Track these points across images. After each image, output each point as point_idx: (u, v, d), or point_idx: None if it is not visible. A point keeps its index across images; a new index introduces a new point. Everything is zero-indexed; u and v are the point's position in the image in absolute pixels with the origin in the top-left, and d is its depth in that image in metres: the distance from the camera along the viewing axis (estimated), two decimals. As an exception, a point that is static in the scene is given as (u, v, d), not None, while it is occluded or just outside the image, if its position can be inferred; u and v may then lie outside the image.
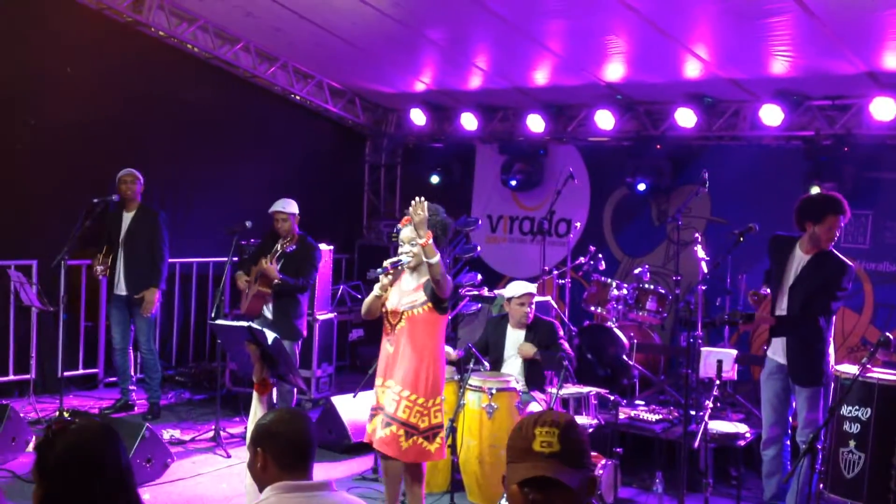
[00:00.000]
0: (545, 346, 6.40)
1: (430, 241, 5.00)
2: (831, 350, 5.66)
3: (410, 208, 5.08)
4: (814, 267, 5.60)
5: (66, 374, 8.03)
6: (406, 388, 5.13)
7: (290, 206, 7.49)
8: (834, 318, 5.69)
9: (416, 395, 5.12)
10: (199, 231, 9.16)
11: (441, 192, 10.39)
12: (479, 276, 8.92)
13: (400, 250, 5.27)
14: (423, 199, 5.07)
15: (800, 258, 5.67)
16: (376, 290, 5.25)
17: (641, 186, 8.93)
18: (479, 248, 9.17)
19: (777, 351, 5.73)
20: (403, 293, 5.24)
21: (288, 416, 2.94)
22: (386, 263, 5.25)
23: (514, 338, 6.60)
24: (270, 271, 7.20)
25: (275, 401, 7.24)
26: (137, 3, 8.40)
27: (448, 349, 6.50)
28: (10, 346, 8.10)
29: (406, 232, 5.22)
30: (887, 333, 4.46)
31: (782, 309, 5.69)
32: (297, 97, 10.17)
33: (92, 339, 8.86)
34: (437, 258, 5.01)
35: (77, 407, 7.77)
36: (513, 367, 6.54)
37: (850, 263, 5.60)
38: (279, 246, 7.25)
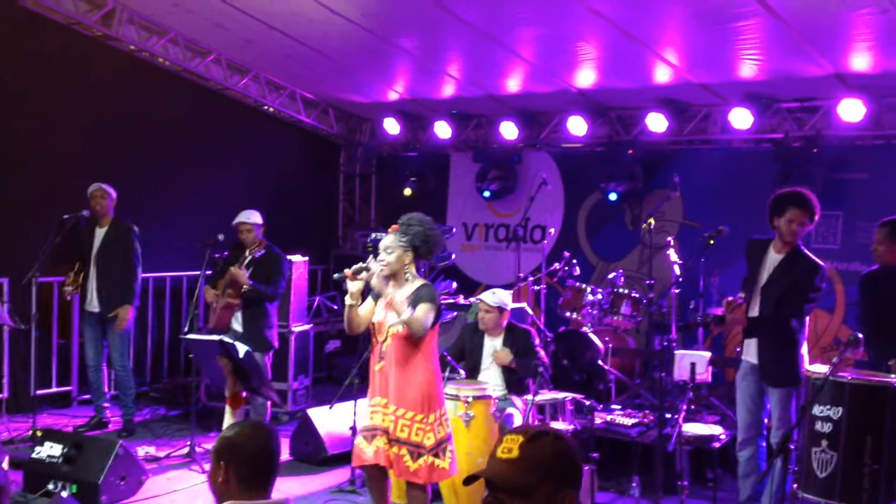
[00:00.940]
0: (521, 353, 6.40)
1: (396, 300, 4.91)
2: (805, 351, 5.68)
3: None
4: (785, 266, 5.63)
5: (38, 392, 7.93)
6: (401, 407, 4.96)
7: (254, 217, 7.47)
8: (807, 318, 5.69)
9: (414, 412, 4.95)
10: (172, 245, 9.10)
11: (416, 201, 10.41)
12: (455, 284, 8.95)
13: (378, 258, 5.15)
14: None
15: (773, 259, 5.71)
16: (347, 299, 5.09)
17: (613, 196, 8.98)
18: (454, 256, 9.19)
19: (750, 352, 5.76)
20: (391, 307, 5.05)
21: (251, 429, 2.90)
22: (347, 271, 5.09)
23: (491, 345, 6.60)
24: (240, 276, 7.17)
25: (249, 415, 7.21)
26: (107, 17, 8.34)
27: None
28: (-19, 365, 8.01)
29: (385, 240, 5.13)
30: (857, 333, 4.47)
31: (755, 310, 5.71)
32: (270, 108, 10.14)
33: (65, 356, 8.75)
34: (406, 315, 4.87)
35: (50, 425, 7.68)
36: (491, 373, 6.53)
37: (821, 263, 5.63)
38: (247, 253, 7.23)
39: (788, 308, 5.55)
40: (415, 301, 4.97)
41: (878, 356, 5.49)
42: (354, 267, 5.11)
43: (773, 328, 5.63)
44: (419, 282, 5.09)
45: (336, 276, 5.23)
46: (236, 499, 2.80)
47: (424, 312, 4.91)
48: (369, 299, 5.19)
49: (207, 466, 6.75)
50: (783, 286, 5.58)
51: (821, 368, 5.25)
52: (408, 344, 4.99)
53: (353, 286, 5.03)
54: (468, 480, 2.29)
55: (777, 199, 5.68)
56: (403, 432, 4.95)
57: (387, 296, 5.02)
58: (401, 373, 4.99)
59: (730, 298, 5.75)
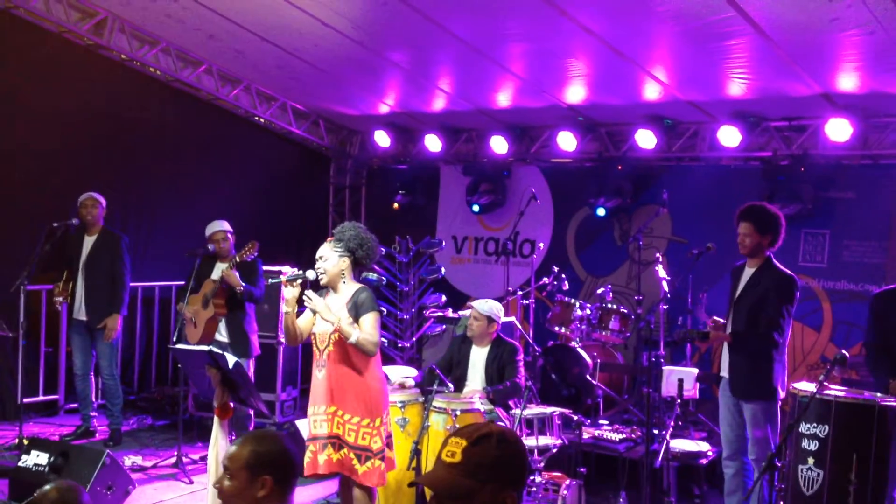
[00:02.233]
0: (502, 366, 6.44)
1: (342, 323, 4.92)
2: (781, 367, 5.63)
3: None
4: (755, 280, 5.69)
5: (25, 400, 7.89)
6: (347, 412, 4.99)
7: (226, 224, 7.48)
8: (788, 333, 5.69)
9: (360, 417, 4.99)
10: (161, 254, 9.09)
11: (406, 214, 10.45)
12: (444, 297, 8.96)
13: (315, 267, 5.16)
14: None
15: (746, 274, 5.79)
16: (283, 307, 5.12)
17: (601, 212, 9.03)
18: (443, 270, 9.23)
19: (724, 366, 5.79)
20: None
21: (273, 437, 2.97)
22: (281, 277, 5.16)
23: (477, 356, 6.62)
24: (233, 278, 7.08)
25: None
26: (98, 26, 8.34)
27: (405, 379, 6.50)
28: (-32, 373, 7.97)
29: (320, 250, 5.13)
30: (843, 351, 4.52)
31: (729, 325, 5.76)
32: (261, 119, 10.15)
33: (52, 364, 8.73)
34: (355, 337, 4.91)
35: (37, 434, 7.64)
36: (476, 384, 6.55)
37: (791, 274, 5.67)
38: (237, 257, 7.14)
39: (763, 321, 5.56)
40: (354, 309, 5.00)
41: (880, 376, 5.52)
42: (289, 274, 5.20)
43: (751, 343, 5.65)
44: (355, 286, 5.10)
45: (270, 280, 5.29)
46: None
47: (372, 326, 4.95)
48: (307, 311, 5.20)
49: (194, 477, 6.77)
50: (754, 299, 5.63)
51: (807, 386, 5.29)
52: (350, 350, 5.01)
53: (289, 293, 5.06)
54: (412, 484, 2.40)
55: (736, 214, 5.78)
56: (350, 436, 5.00)
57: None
58: (345, 379, 5.02)
59: (715, 318, 5.81)
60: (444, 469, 2.17)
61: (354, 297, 5.04)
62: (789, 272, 5.69)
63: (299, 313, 5.17)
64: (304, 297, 5.02)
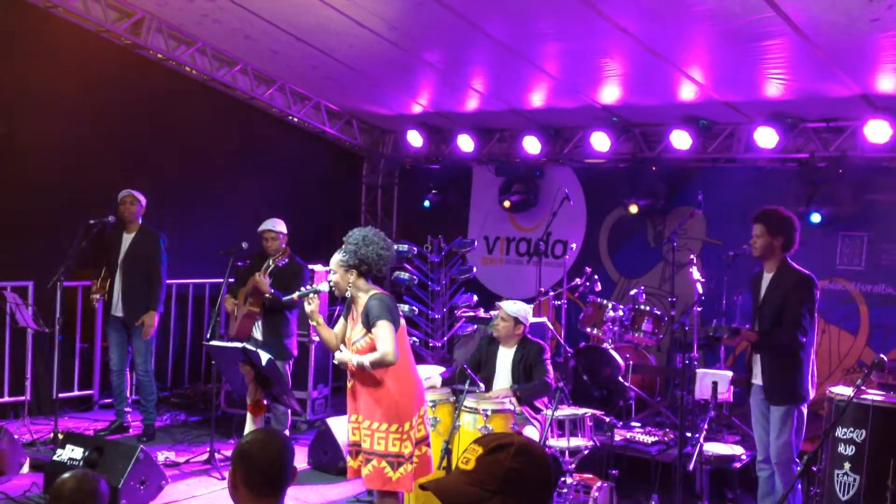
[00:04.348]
0: (530, 366, 6.42)
1: (351, 360, 4.94)
2: (809, 369, 5.58)
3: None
4: (775, 283, 5.65)
5: (61, 395, 8.02)
6: (374, 420, 4.98)
7: (279, 226, 7.55)
8: (813, 333, 5.63)
9: (388, 423, 4.96)
10: (195, 252, 9.17)
11: (437, 214, 10.46)
12: (475, 297, 8.96)
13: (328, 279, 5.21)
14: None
15: (765, 279, 5.74)
16: (310, 321, 5.24)
17: (633, 208, 8.94)
18: (475, 269, 9.22)
19: (755, 372, 5.74)
20: (354, 323, 5.11)
21: (263, 437, 2.93)
22: (295, 294, 5.30)
23: (504, 356, 6.61)
24: (262, 284, 7.22)
25: (271, 423, 7.24)
26: (136, 25, 8.45)
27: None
28: (5, 368, 8.08)
29: (332, 259, 5.13)
30: (881, 355, 4.45)
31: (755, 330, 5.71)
32: (295, 119, 10.21)
33: (87, 360, 8.84)
34: (367, 362, 4.87)
35: (72, 428, 7.74)
36: (503, 385, 6.54)
37: (808, 273, 5.61)
38: (270, 261, 7.29)
39: (786, 323, 5.52)
40: (366, 320, 4.95)
41: None
42: (299, 292, 5.28)
43: (772, 344, 5.59)
44: (368, 293, 5.05)
45: (284, 299, 5.35)
46: None
47: (383, 339, 4.87)
48: (341, 319, 5.27)
49: (226, 473, 6.83)
50: (776, 302, 5.59)
51: (844, 390, 5.22)
52: None
53: (307, 307, 5.17)
54: (423, 486, 2.24)
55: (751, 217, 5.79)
56: (380, 445, 4.96)
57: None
58: (370, 387, 5.00)
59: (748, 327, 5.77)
60: (456, 475, 2.10)
61: (366, 308, 4.98)
62: (806, 272, 5.63)
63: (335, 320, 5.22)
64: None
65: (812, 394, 5.57)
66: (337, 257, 5.10)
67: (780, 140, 8.01)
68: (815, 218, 7.84)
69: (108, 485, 5.93)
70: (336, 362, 5.17)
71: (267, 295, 7.25)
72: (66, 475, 3.48)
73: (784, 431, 5.49)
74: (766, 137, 8.03)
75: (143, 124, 8.88)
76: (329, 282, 5.15)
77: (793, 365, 5.51)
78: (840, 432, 5.04)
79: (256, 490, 2.82)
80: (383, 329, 4.88)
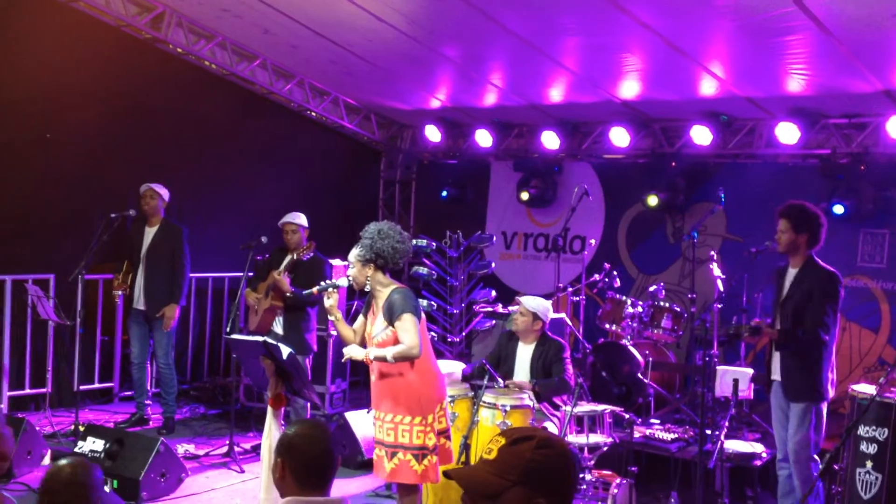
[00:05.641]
0: (549, 363, 6.42)
1: (371, 354, 4.97)
2: (829, 367, 5.53)
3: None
4: (799, 279, 5.61)
5: (81, 387, 8.08)
6: (398, 413, 5.00)
7: (299, 219, 7.53)
8: (835, 331, 5.58)
9: (412, 416, 4.98)
10: (214, 246, 9.21)
11: (455, 209, 10.45)
12: (494, 293, 8.95)
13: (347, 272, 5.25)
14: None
15: (790, 275, 5.70)
16: (329, 316, 5.31)
17: (653, 200, 8.90)
18: (493, 265, 9.21)
19: (774, 369, 5.70)
20: (374, 318, 5.14)
21: (310, 431, 2.98)
22: (315, 289, 5.31)
23: (523, 352, 6.61)
24: (283, 284, 7.22)
25: (290, 417, 7.26)
26: (156, 20, 8.48)
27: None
28: (27, 360, 8.15)
29: (350, 253, 5.15)
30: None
31: (777, 326, 5.67)
32: (314, 113, 10.23)
33: (108, 352, 8.90)
34: (390, 356, 4.89)
35: (92, 421, 7.80)
36: (520, 380, 6.54)
37: (833, 271, 5.56)
38: (294, 255, 7.27)
39: (808, 321, 5.48)
40: (388, 313, 4.98)
41: None
42: (318, 286, 5.29)
43: (796, 342, 5.56)
44: (389, 288, 5.07)
45: (304, 293, 5.37)
46: (295, 495, 2.91)
47: (407, 331, 4.90)
48: (360, 316, 5.31)
49: (245, 466, 6.86)
50: (799, 299, 5.55)
51: (867, 388, 5.19)
52: None
53: (327, 302, 5.24)
54: (447, 474, 2.27)
55: (776, 211, 5.75)
56: (405, 437, 4.99)
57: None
58: (392, 381, 5.02)
59: (757, 321, 5.73)
60: (479, 464, 2.15)
61: (387, 302, 5.01)
62: (831, 269, 5.58)
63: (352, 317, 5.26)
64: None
65: (832, 392, 5.53)
66: (354, 252, 5.13)
67: (802, 136, 7.95)
68: (838, 209, 7.76)
69: (129, 476, 6.00)
70: (344, 359, 5.23)
71: (287, 293, 7.25)
72: (61, 462, 3.38)
73: (801, 429, 5.46)
74: (787, 133, 7.97)
75: (162, 118, 8.92)
76: (348, 276, 5.17)
77: (812, 362, 5.47)
78: (862, 430, 5.01)
79: (303, 480, 2.91)
80: (408, 321, 4.90)
